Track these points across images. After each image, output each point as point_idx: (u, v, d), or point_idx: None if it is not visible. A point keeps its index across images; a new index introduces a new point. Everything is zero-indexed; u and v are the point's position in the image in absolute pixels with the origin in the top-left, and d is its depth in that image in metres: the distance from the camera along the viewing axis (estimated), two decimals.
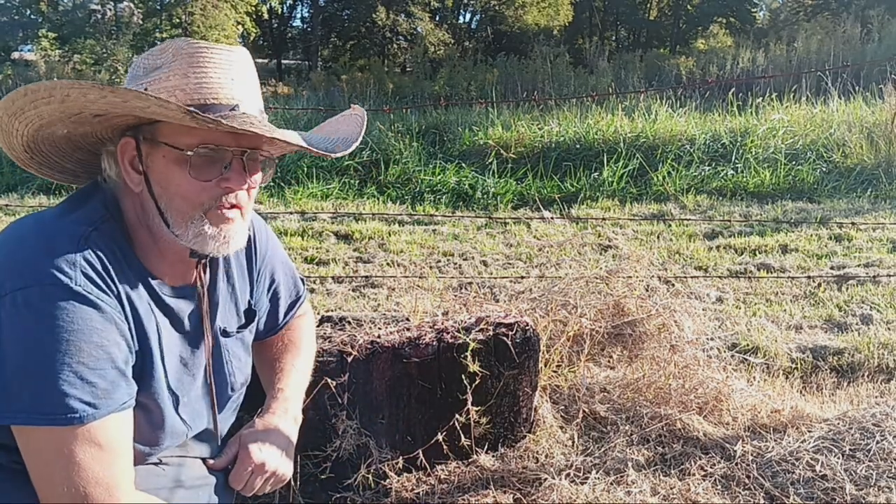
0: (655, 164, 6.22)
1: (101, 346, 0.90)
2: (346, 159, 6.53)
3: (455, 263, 4.14)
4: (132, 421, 0.95)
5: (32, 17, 16.76)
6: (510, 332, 1.76)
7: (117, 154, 1.01)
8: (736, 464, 1.80)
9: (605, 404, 2.05)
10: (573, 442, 1.88)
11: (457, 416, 1.69)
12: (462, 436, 1.71)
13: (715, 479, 1.75)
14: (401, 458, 1.70)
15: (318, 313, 1.92)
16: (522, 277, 3.45)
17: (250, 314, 1.24)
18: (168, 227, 0.99)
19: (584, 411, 1.98)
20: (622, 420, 1.97)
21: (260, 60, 22.09)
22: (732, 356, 2.31)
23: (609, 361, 2.27)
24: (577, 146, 6.78)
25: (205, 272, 1.11)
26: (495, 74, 12.45)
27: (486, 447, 1.79)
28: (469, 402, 1.69)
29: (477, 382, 1.69)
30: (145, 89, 0.94)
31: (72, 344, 0.87)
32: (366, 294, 3.56)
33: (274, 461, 1.16)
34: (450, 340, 1.71)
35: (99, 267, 0.93)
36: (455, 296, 2.54)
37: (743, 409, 2.06)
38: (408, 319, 1.89)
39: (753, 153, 6.32)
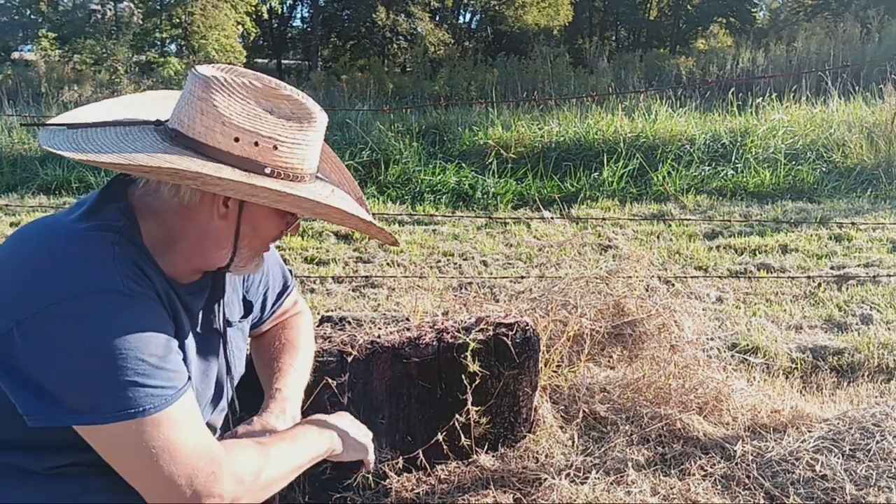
0: (655, 164, 6.22)
1: (159, 335, 0.91)
2: (346, 159, 6.52)
3: (455, 263, 4.14)
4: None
5: (32, 17, 16.78)
6: (510, 332, 1.76)
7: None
8: (736, 464, 1.80)
9: (605, 404, 2.05)
10: (573, 442, 1.88)
11: (457, 416, 1.69)
12: (462, 436, 1.71)
13: (715, 479, 1.75)
14: (401, 458, 1.70)
15: (318, 313, 1.93)
16: (522, 277, 3.45)
17: (247, 304, 1.26)
18: (232, 261, 1.04)
19: (584, 411, 1.98)
20: (622, 420, 1.97)
21: (260, 60, 22.11)
22: (732, 356, 2.31)
23: (609, 361, 2.27)
24: (577, 146, 6.78)
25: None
26: (495, 74, 12.46)
27: (486, 447, 1.79)
28: (469, 402, 1.69)
29: (477, 382, 1.69)
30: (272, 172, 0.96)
31: (137, 339, 0.88)
32: (366, 294, 3.56)
33: None
34: (450, 340, 1.71)
35: (133, 266, 0.94)
36: (455, 296, 2.54)
37: (743, 409, 2.06)
38: (408, 319, 1.89)
39: (753, 153, 6.32)
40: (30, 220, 1.14)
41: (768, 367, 2.58)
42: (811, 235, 4.49)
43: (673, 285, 2.39)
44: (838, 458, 1.78)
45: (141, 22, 15.73)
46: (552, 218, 4.89)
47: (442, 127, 7.52)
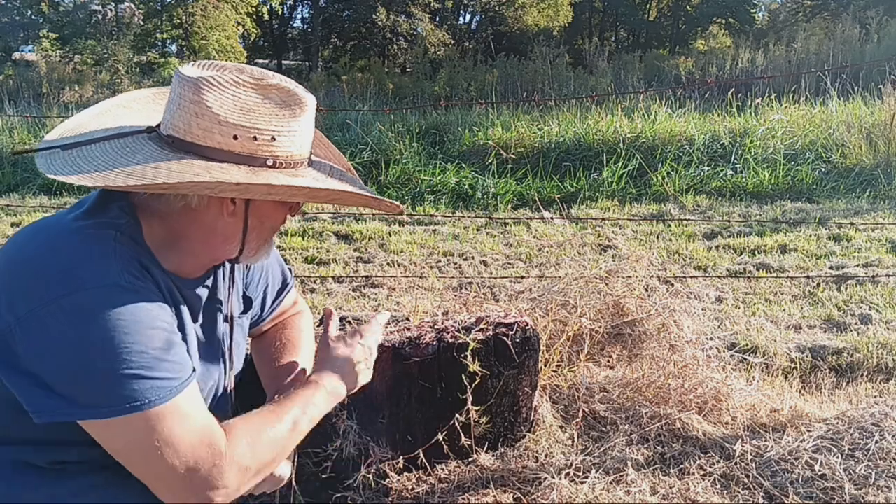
0: (655, 165, 6.23)
1: (161, 328, 0.92)
2: (346, 159, 6.54)
3: (455, 263, 4.15)
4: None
5: (33, 17, 16.78)
6: (510, 332, 1.77)
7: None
8: (735, 463, 1.81)
9: (604, 404, 2.06)
10: (573, 441, 1.88)
11: (457, 415, 1.70)
12: (462, 435, 1.71)
13: (714, 479, 1.75)
14: (401, 457, 1.70)
15: (319, 313, 1.93)
16: (522, 277, 3.45)
17: (247, 300, 1.26)
18: (241, 253, 1.05)
19: (583, 411, 1.99)
20: (622, 420, 1.98)
21: (260, 61, 22.13)
22: (732, 356, 2.32)
23: (609, 361, 2.28)
24: (577, 146, 6.78)
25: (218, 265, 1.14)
26: (495, 75, 12.46)
27: (486, 447, 1.79)
28: (469, 402, 1.69)
29: (477, 382, 1.69)
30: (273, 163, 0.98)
31: (139, 334, 0.88)
32: (366, 294, 3.56)
33: None
34: (450, 340, 1.72)
35: (134, 261, 0.94)
36: (455, 296, 2.55)
37: (742, 408, 2.06)
38: (408, 319, 1.90)
39: (752, 153, 6.32)
40: (31, 221, 1.14)
41: (767, 367, 2.58)
42: (810, 235, 4.50)
43: (672, 285, 2.39)
44: (837, 457, 1.78)
45: (142, 22, 15.74)
46: (552, 218, 4.89)
47: (442, 127, 7.53)
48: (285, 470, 1.20)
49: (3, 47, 15.96)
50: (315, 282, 3.72)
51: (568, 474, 1.71)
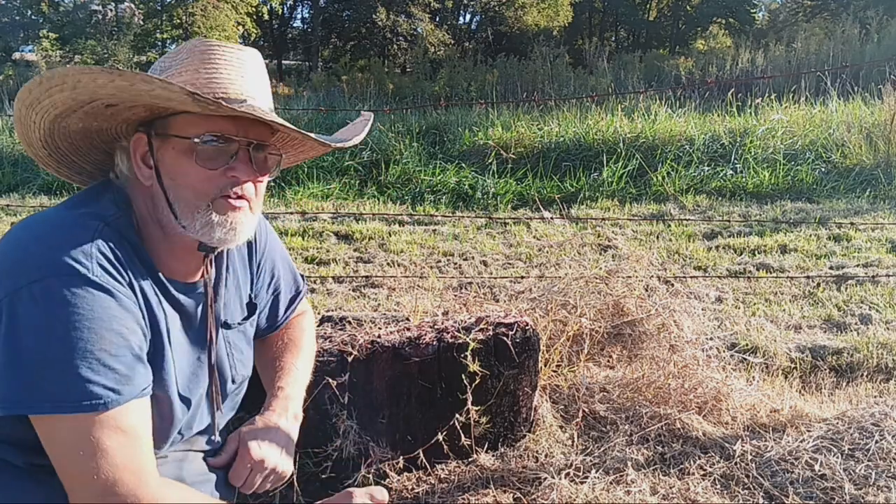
0: (655, 165, 6.23)
1: (120, 333, 0.91)
2: (346, 160, 6.54)
3: (455, 263, 4.15)
4: (150, 407, 0.96)
5: (33, 17, 16.76)
6: (510, 332, 1.77)
7: (130, 149, 1.03)
8: (735, 463, 1.81)
9: (604, 404, 2.06)
10: (573, 441, 1.88)
11: (457, 415, 1.70)
12: (462, 435, 1.71)
13: (714, 479, 1.75)
14: (401, 457, 1.70)
15: (319, 313, 1.93)
16: (522, 277, 3.45)
17: (251, 307, 1.26)
18: (176, 218, 1.01)
19: (583, 411, 1.99)
20: (622, 420, 1.98)
21: None
22: (732, 356, 2.32)
23: (609, 361, 2.28)
24: (577, 146, 6.78)
25: (211, 266, 1.13)
26: (495, 75, 12.46)
27: (486, 447, 1.79)
28: (469, 402, 1.69)
29: (477, 382, 1.70)
30: None
31: (92, 332, 0.88)
32: (366, 294, 3.56)
33: (273, 458, 1.17)
34: (450, 340, 1.72)
35: (112, 258, 0.94)
36: (455, 296, 2.55)
37: (742, 408, 2.06)
38: (408, 319, 1.90)
39: (752, 153, 6.32)
40: None
41: (767, 367, 2.58)
42: (810, 235, 4.50)
43: (672, 285, 2.39)
44: (837, 457, 1.78)
45: (142, 22, 15.73)
46: (552, 218, 4.89)
47: (442, 127, 7.53)
48: (288, 467, 1.20)
49: (3, 47, 15.95)
50: (315, 282, 3.72)
51: (568, 474, 1.71)
